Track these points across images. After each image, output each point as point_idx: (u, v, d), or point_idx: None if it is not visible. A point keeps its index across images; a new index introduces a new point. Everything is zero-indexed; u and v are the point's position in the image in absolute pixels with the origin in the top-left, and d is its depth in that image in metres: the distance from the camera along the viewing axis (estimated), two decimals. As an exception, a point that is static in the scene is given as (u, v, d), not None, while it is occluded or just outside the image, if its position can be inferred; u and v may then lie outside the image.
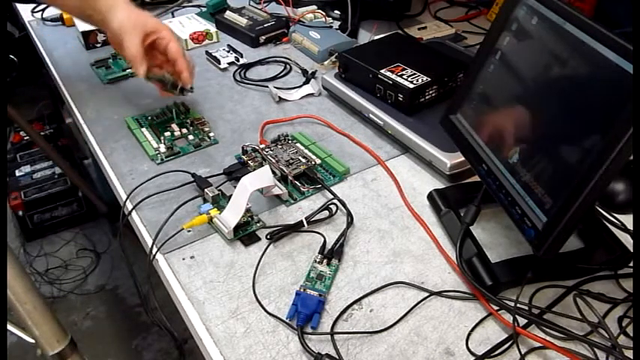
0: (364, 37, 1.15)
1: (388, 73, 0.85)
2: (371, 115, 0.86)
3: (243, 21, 1.16)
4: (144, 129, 0.88)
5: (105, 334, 1.62)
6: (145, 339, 1.60)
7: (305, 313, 0.57)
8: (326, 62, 1.04)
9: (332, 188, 0.75)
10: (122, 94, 0.99)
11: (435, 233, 0.68)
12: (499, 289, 0.60)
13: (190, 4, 1.31)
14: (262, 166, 0.75)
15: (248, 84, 1.00)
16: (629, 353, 0.53)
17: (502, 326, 0.58)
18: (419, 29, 1.16)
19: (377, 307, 0.60)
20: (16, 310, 0.80)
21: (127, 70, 1.03)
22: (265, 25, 1.14)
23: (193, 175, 0.76)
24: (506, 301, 0.57)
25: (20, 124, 1.59)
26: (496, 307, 0.58)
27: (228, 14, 1.19)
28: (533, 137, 0.58)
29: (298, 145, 0.82)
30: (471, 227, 0.65)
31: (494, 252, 0.65)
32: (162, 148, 0.83)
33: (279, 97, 0.95)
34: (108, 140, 0.87)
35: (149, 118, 0.90)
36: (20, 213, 1.82)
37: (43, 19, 1.25)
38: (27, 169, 1.92)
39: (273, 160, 0.77)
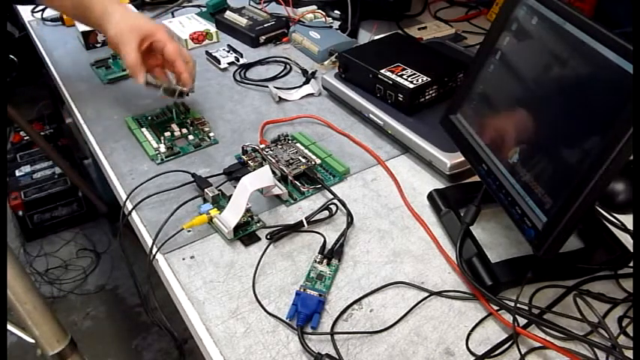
0: (364, 37, 1.15)
1: (388, 73, 0.85)
2: (371, 115, 0.86)
3: (243, 21, 1.16)
4: (144, 129, 0.88)
5: (105, 334, 1.62)
6: (145, 339, 1.60)
7: (305, 313, 0.57)
8: (326, 62, 1.04)
9: (332, 188, 0.75)
10: (122, 94, 0.99)
11: (435, 233, 0.68)
12: (499, 289, 0.60)
13: (190, 4, 1.31)
14: (262, 166, 0.75)
15: (248, 84, 1.00)
16: (629, 353, 0.53)
17: (502, 326, 0.58)
18: (419, 29, 1.16)
19: (377, 307, 0.60)
20: (16, 310, 0.80)
21: (127, 71, 1.03)
22: (265, 25, 1.14)
23: (193, 175, 0.76)
24: (506, 301, 0.57)
25: (20, 124, 1.59)
26: (496, 307, 0.58)
27: (228, 14, 1.19)
28: (533, 137, 0.58)
29: (298, 145, 0.82)
30: (471, 227, 0.65)
31: (494, 252, 0.65)
32: (162, 148, 0.83)
33: (279, 97, 0.95)
34: (108, 140, 0.87)
35: (149, 118, 0.90)
36: (20, 213, 1.82)
37: (43, 19, 1.25)
38: (27, 169, 1.92)
39: (273, 160, 0.77)
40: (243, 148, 0.81)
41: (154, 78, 0.86)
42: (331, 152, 0.81)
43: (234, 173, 0.77)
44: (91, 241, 1.91)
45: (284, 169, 0.75)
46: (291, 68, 1.05)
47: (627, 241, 0.63)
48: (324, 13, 1.17)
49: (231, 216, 0.67)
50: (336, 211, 0.72)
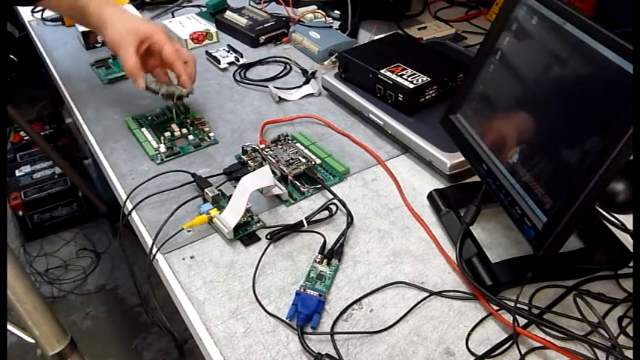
0: (364, 37, 1.15)
1: (388, 73, 0.85)
2: (371, 115, 0.86)
3: (243, 21, 1.16)
4: (144, 129, 0.88)
5: (105, 334, 1.62)
6: (145, 339, 1.60)
7: (305, 313, 0.57)
8: (326, 62, 1.04)
9: (332, 188, 0.75)
10: (122, 94, 0.99)
11: (435, 233, 0.68)
12: (499, 289, 0.60)
13: (190, 4, 1.31)
14: (262, 166, 0.75)
15: (248, 84, 1.00)
16: (629, 353, 0.53)
17: (502, 326, 0.58)
18: (419, 29, 1.16)
19: (377, 307, 0.60)
20: (16, 310, 0.80)
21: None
22: (265, 25, 1.14)
23: (193, 175, 0.76)
24: (506, 301, 0.57)
25: (20, 124, 1.59)
26: (496, 307, 0.58)
27: (228, 14, 1.19)
28: (533, 137, 0.58)
29: (298, 145, 0.82)
30: (471, 227, 0.65)
31: (494, 252, 0.65)
32: (162, 148, 0.83)
33: (279, 97, 0.95)
34: (108, 140, 0.87)
35: (149, 118, 0.90)
36: (20, 213, 1.82)
37: (43, 19, 1.25)
38: (27, 169, 1.92)
39: (273, 160, 0.77)
40: (243, 148, 0.81)
41: (154, 80, 0.86)
42: (331, 152, 0.81)
43: (234, 173, 0.77)
44: (91, 241, 1.91)
45: (284, 169, 0.75)
46: (291, 68, 1.05)
47: (627, 241, 0.63)
48: (324, 13, 1.17)
49: (231, 216, 0.67)
50: (336, 211, 0.72)
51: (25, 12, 1.31)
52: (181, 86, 0.86)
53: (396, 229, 0.69)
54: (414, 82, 0.82)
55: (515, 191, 0.58)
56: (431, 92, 0.84)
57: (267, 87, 0.97)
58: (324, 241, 0.67)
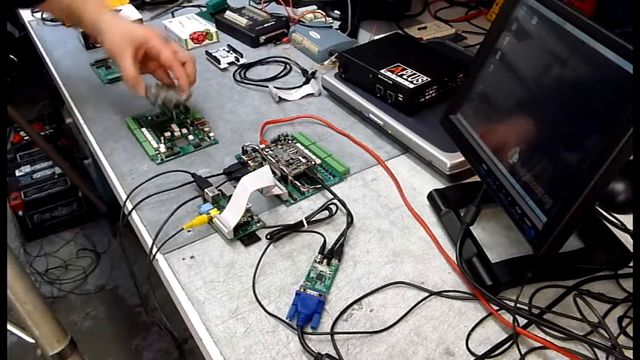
0: (364, 37, 1.15)
1: (388, 73, 0.85)
2: (371, 115, 0.86)
3: (243, 21, 1.16)
4: (144, 129, 0.88)
5: (105, 334, 1.62)
6: (145, 339, 1.60)
7: (305, 313, 0.57)
8: (326, 62, 1.04)
9: (332, 188, 0.75)
10: (122, 94, 0.98)
11: (435, 233, 0.68)
12: (499, 289, 0.60)
13: (190, 4, 1.31)
14: (262, 166, 0.75)
15: (248, 84, 1.00)
16: (629, 353, 0.53)
17: (502, 326, 0.58)
18: (419, 29, 1.16)
19: (377, 307, 0.60)
20: (16, 310, 0.80)
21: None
22: (265, 25, 1.14)
23: (193, 175, 0.76)
24: (506, 301, 0.57)
25: (20, 124, 1.59)
26: (496, 307, 0.58)
27: (228, 14, 1.19)
28: (533, 137, 0.58)
29: (298, 145, 0.82)
30: (471, 227, 0.65)
31: (494, 252, 0.65)
32: (162, 148, 0.83)
33: (279, 97, 0.95)
34: (108, 140, 0.87)
35: (149, 118, 0.90)
36: (20, 213, 1.82)
37: (43, 19, 1.25)
38: (27, 169, 1.92)
39: (273, 160, 0.77)
40: (243, 148, 0.81)
41: (152, 89, 0.86)
42: (331, 152, 0.81)
43: (234, 173, 0.77)
44: (91, 241, 1.91)
45: (284, 169, 0.75)
46: (291, 68, 1.05)
47: (627, 241, 0.63)
48: (324, 13, 1.17)
49: (231, 216, 0.67)
50: (336, 211, 0.72)
51: (25, 12, 1.31)
52: (180, 90, 0.86)
53: (396, 229, 0.69)
54: (414, 82, 0.82)
55: (515, 191, 0.58)
56: (431, 92, 0.84)
57: (267, 87, 0.97)
58: (324, 241, 0.67)
